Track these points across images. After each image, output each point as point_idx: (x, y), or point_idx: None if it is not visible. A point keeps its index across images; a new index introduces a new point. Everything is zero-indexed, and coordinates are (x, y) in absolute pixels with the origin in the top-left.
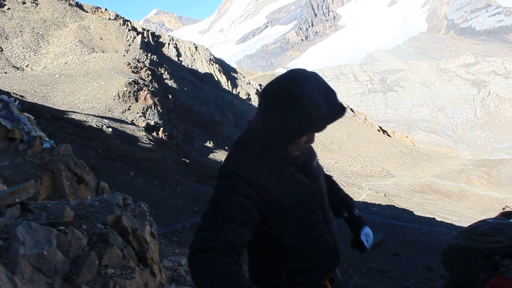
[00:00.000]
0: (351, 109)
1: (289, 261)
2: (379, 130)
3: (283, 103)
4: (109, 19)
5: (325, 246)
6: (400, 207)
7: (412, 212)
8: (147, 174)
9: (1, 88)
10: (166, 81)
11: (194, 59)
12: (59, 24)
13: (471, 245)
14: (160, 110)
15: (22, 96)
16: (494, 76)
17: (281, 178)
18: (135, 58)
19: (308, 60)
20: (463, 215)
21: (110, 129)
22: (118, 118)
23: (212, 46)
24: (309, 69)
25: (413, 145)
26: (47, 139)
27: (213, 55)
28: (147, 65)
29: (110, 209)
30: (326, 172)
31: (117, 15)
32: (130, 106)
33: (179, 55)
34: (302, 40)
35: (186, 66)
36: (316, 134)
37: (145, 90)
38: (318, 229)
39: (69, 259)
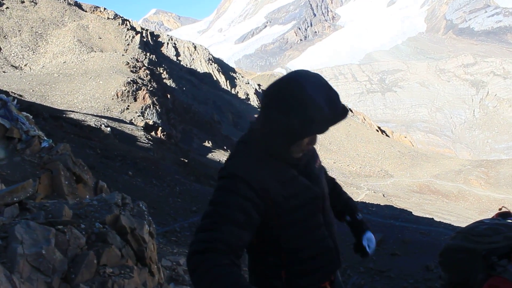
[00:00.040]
0: (349, 109)
1: (289, 264)
2: (377, 130)
3: (285, 104)
4: (108, 18)
5: (325, 249)
6: (398, 207)
7: (411, 212)
8: (146, 174)
9: None
10: (165, 80)
11: (193, 59)
12: (57, 24)
13: (468, 246)
14: (159, 110)
15: (20, 95)
16: (493, 77)
17: (282, 180)
18: (134, 58)
19: (307, 60)
20: (461, 215)
21: (108, 129)
22: (117, 117)
23: (211, 45)
24: (307, 69)
25: (411, 145)
26: (45, 138)
27: (212, 54)
28: (146, 65)
29: (108, 208)
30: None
31: (116, 15)
32: (128, 106)
33: (178, 54)
34: (301, 40)
35: (185, 65)
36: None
37: (143, 90)
38: (318, 231)
39: (67, 258)
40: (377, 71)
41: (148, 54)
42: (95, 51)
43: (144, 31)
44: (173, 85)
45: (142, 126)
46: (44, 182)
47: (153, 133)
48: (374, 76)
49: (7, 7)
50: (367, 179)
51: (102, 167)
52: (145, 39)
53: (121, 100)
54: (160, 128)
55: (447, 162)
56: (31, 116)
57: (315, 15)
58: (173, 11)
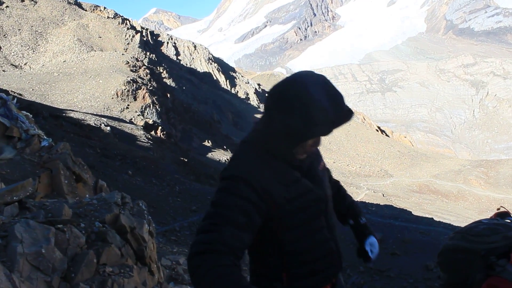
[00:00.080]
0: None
1: (291, 266)
2: (377, 130)
3: (289, 105)
4: (108, 17)
5: (327, 251)
6: (398, 207)
7: (410, 212)
8: (146, 173)
9: None
10: (164, 80)
11: (193, 58)
12: (57, 23)
13: (466, 246)
14: (159, 109)
15: (20, 94)
16: (493, 77)
17: (285, 182)
18: (133, 57)
19: (307, 59)
20: (461, 215)
21: (108, 128)
22: (117, 116)
23: (211, 45)
24: (307, 68)
25: (411, 145)
26: (45, 137)
27: (212, 54)
28: (146, 64)
29: (108, 207)
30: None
31: (116, 14)
32: (128, 105)
33: (178, 54)
34: (301, 39)
35: (185, 65)
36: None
37: (143, 89)
38: (321, 234)
39: (67, 258)
40: (377, 71)
41: (148, 53)
42: (95, 50)
43: (144, 30)
44: (173, 84)
45: (142, 126)
46: (43, 181)
47: (152, 133)
48: (374, 76)
49: (7, 6)
50: (367, 179)
51: (102, 166)
52: (145, 39)
53: (121, 99)
54: (160, 127)
55: (447, 162)
56: (31, 115)
57: (315, 14)
58: (173, 11)
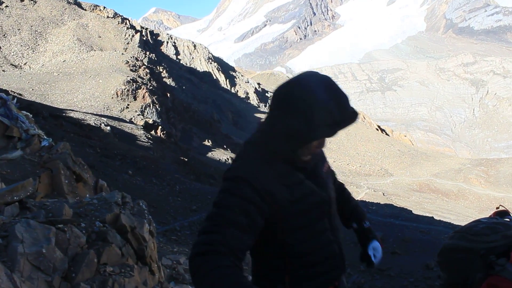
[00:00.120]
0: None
1: (293, 268)
2: (377, 129)
3: (293, 106)
4: (108, 17)
5: (330, 254)
6: (398, 206)
7: (411, 211)
8: (146, 173)
9: None
10: (164, 79)
11: (192, 58)
12: (57, 22)
13: (466, 245)
14: (159, 109)
15: (20, 94)
16: (492, 76)
17: (288, 184)
18: (133, 57)
19: (306, 59)
20: (461, 214)
21: (108, 128)
22: (117, 116)
23: (211, 44)
24: (307, 68)
25: (411, 144)
26: (45, 137)
27: (211, 53)
28: (146, 64)
29: (108, 207)
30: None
31: (115, 13)
32: (128, 105)
33: (177, 53)
34: (300, 39)
35: (185, 64)
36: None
37: (143, 89)
38: (324, 236)
39: (67, 257)
40: (376, 70)
41: (147, 53)
42: (95, 50)
43: (143, 30)
44: (172, 84)
45: (142, 125)
46: (44, 181)
47: (152, 132)
48: (374, 75)
49: (6, 6)
50: (367, 178)
51: (102, 166)
52: (144, 38)
53: (121, 99)
54: (159, 127)
55: (447, 161)
56: (31, 115)
57: (314, 14)
58: (172, 10)
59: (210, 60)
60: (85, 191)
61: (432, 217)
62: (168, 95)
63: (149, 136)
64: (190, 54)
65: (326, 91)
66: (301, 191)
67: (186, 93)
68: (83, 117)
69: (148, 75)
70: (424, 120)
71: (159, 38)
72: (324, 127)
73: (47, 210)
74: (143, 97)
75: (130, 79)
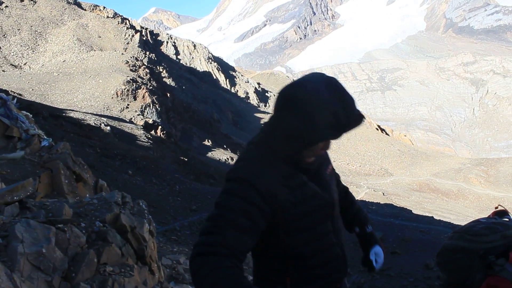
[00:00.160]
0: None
1: (295, 270)
2: (377, 129)
3: (299, 107)
4: (108, 17)
5: (333, 257)
6: (398, 206)
7: (411, 210)
8: (146, 173)
9: None
10: (164, 79)
11: (192, 58)
12: (57, 22)
13: (465, 246)
14: (159, 109)
15: (20, 94)
16: (492, 75)
17: (291, 186)
18: (133, 57)
19: (306, 58)
20: (461, 213)
21: (108, 128)
22: (117, 116)
23: (211, 44)
24: (307, 67)
25: (411, 144)
26: (45, 137)
27: (211, 53)
28: (146, 64)
29: (108, 207)
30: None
31: (115, 13)
32: (128, 105)
33: (177, 53)
34: (300, 38)
35: (185, 64)
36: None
37: (143, 89)
38: (326, 239)
39: (67, 257)
40: (376, 69)
41: (147, 53)
42: (95, 50)
43: (143, 30)
44: (172, 83)
45: (142, 125)
46: (44, 181)
47: (152, 132)
48: (374, 75)
49: (6, 6)
50: (367, 178)
51: (102, 166)
52: (144, 38)
53: (121, 99)
54: (159, 127)
55: (447, 160)
56: (31, 115)
57: (314, 13)
58: (172, 10)
59: (210, 60)
60: (85, 191)
61: (432, 217)
62: (168, 95)
63: (149, 136)
64: (190, 54)
65: (332, 92)
66: (304, 193)
67: (186, 93)
68: (83, 117)
69: (148, 75)
70: (424, 119)
71: (159, 38)
72: (329, 130)
73: (47, 210)
74: (143, 97)
75: (130, 79)
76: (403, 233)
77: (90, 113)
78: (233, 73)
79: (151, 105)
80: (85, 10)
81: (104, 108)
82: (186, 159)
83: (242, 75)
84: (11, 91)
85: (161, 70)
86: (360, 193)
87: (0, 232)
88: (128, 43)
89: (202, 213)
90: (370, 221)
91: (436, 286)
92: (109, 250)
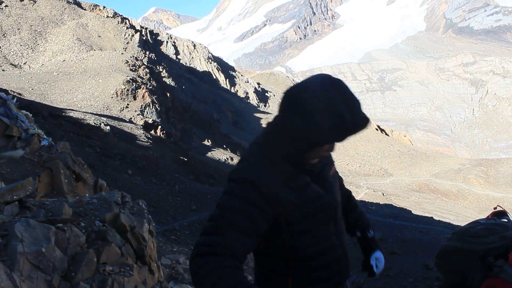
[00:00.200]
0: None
1: (297, 272)
2: (377, 129)
3: (306, 109)
4: (107, 17)
5: (335, 259)
6: (398, 206)
7: (410, 211)
8: (145, 172)
9: None
10: (164, 79)
11: (192, 57)
12: (57, 22)
13: (464, 247)
14: (158, 108)
15: (19, 94)
16: (492, 76)
17: (295, 187)
18: (133, 56)
19: (306, 58)
20: (460, 214)
21: (108, 127)
22: (116, 116)
23: (211, 44)
24: (307, 68)
25: (411, 144)
26: (45, 136)
27: (211, 53)
28: (145, 63)
29: (108, 206)
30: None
31: (115, 13)
32: (128, 104)
33: (177, 53)
34: (300, 38)
35: (184, 64)
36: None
37: (143, 88)
38: (329, 241)
39: (67, 257)
40: (376, 70)
41: (147, 52)
42: (95, 50)
43: (143, 30)
44: (172, 83)
45: (142, 125)
46: (43, 181)
47: (152, 132)
48: (374, 75)
49: (6, 5)
50: (367, 178)
51: (101, 165)
52: (144, 38)
53: (121, 99)
54: (159, 126)
55: (447, 161)
56: (31, 115)
57: (314, 13)
58: (172, 10)
59: (210, 60)
60: (84, 191)
61: (432, 217)
62: (168, 94)
63: (149, 135)
64: (190, 53)
65: (338, 94)
66: (307, 194)
67: (186, 93)
68: (82, 117)
69: (148, 74)
70: (423, 120)
71: (159, 37)
72: (334, 132)
73: (47, 210)
74: (143, 96)
75: (130, 78)
76: (402, 234)
77: (90, 113)
78: (233, 73)
79: (151, 104)
80: (85, 9)
81: (104, 107)
82: (185, 159)
83: (242, 75)
84: (11, 90)
85: (161, 70)
86: (359, 194)
87: (0, 232)
88: (128, 42)
89: (202, 213)
90: (372, 226)
91: (436, 286)
92: (108, 250)
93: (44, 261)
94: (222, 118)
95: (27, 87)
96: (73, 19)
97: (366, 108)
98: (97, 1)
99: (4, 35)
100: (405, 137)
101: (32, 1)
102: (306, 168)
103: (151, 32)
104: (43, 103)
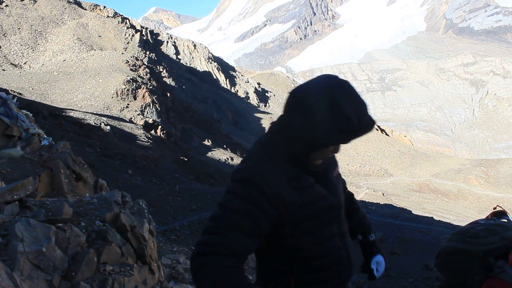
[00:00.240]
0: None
1: (300, 272)
2: (377, 129)
3: (311, 109)
4: (108, 16)
5: (338, 259)
6: (398, 206)
7: (410, 211)
8: (145, 172)
9: None
10: (164, 79)
11: (192, 57)
12: (57, 22)
13: (464, 248)
14: (159, 108)
15: (20, 94)
16: (492, 76)
17: (298, 188)
18: (133, 56)
19: (306, 59)
20: (461, 214)
21: (108, 127)
22: (117, 116)
23: (211, 44)
24: (307, 68)
25: (411, 144)
26: (45, 136)
27: (211, 53)
28: (146, 63)
29: (108, 206)
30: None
31: (115, 13)
32: (128, 104)
33: (177, 53)
34: (300, 38)
35: (185, 64)
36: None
37: (143, 88)
38: (332, 242)
39: (67, 256)
40: (376, 70)
41: (147, 52)
42: (95, 50)
43: (143, 30)
44: (172, 83)
45: (142, 125)
46: (44, 180)
47: (152, 132)
48: (374, 75)
49: (6, 5)
50: (367, 178)
51: (101, 165)
52: (144, 38)
53: (121, 99)
54: (159, 126)
55: (447, 161)
56: (31, 114)
57: (315, 14)
58: (172, 10)
59: (210, 60)
60: (85, 190)
61: (432, 218)
62: (168, 94)
63: (149, 135)
64: (190, 53)
65: (347, 96)
66: (311, 195)
67: (186, 93)
68: (83, 117)
69: (148, 74)
70: (424, 120)
71: (159, 37)
72: (340, 133)
73: (47, 209)
74: (143, 96)
75: (130, 78)
76: (402, 234)
77: (90, 113)
78: (233, 73)
79: (151, 104)
80: (85, 9)
81: (104, 107)
82: (186, 159)
83: (242, 75)
84: (11, 90)
85: (161, 69)
86: (360, 194)
87: (0, 231)
88: (128, 42)
89: (202, 213)
90: (373, 230)
91: (436, 286)
92: (109, 249)
93: (45, 261)
94: (222, 118)
95: (28, 86)
96: (74, 19)
97: None
98: (97, 1)
99: (4, 34)
100: (405, 137)
101: (32, 1)
102: (310, 169)
103: (151, 32)
104: (44, 103)
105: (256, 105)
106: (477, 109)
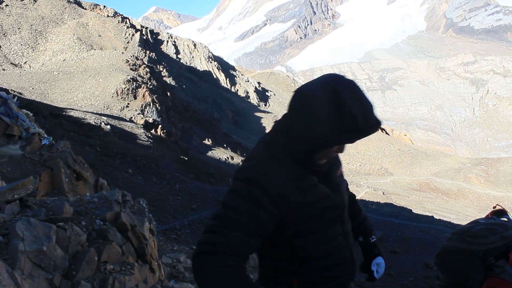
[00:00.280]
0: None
1: (303, 272)
2: None
3: (317, 109)
4: (108, 16)
5: (341, 259)
6: (398, 205)
7: (411, 210)
8: (146, 172)
9: None
10: (164, 78)
11: (192, 57)
12: (57, 21)
13: (464, 247)
14: (159, 108)
15: (20, 93)
16: (493, 75)
17: (302, 187)
18: (133, 56)
19: (307, 58)
20: (461, 213)
21: (108, 127)
22: (117, 115)
23: (211, 43)
24: (307, 67)
25: (411, 143)
26: (45, 135)
27: (211, 52)
28: (146, 63)
29: (109, 205)
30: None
31: (115, 12)
32: (128, 104)
33: (177, 52)
34: (300, 38)
35: (185, 63)
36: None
37: (143, 88)
38: (336, 241)
39: (68, 255)
40: (377, 69)
41: (147, 52)
42: (95, 49)
43: (143, 29)
44: (173, 83)
45: (142, 124)
46: (44, 179)
47: (153, 131)
48: (374, 74)
49: (6, 5)
50: (367, 177)
51: (102, 165)
52: (144, 37)
53: (121, 98)
54: (160, 126)
55: (447, 160)
56: (31, 114)
57: (315, 13)
58: (172, 9)
59: (210, 59)
60: (85, 190)
61: (432, 216)
62: (168, 94)
63: (149, 135)
64: (190, 53)
65: (352, 96)
66: (314, 194)
67: (186, 92)
68: (83, 116)
69: (148, 74)
70: (424, 119)
71: (159, 37)
72: (345, 133)
73: (48, 208)
74: (143, 96)
75: (130, 78)
76: (403, 232)
77: (90, 112)
78: (233, 72)
79: (151, 104)
80: (85, 9)
81: (104, 107)
82: (186, 158)
83: (242, 74)
84: (12, 90)
85: (161, 69)
86: (360, 193)
87: (1, 230)
88: (128, 42)
89: (202, 212)
90: (374, 232)
91: (436, 285)
92: (109, 248)
93: (45, 260)
94: (222, 117)
95: (28, 86)
96: (74, 18)
97: None
98: (97, 1)
99: (4, 34)
100: (405, 136)
101: (32, 1)
102: (313, 168)
103: (151, 31)
104: (44, 102)
105: (256, 104)
106: (477, 108)
